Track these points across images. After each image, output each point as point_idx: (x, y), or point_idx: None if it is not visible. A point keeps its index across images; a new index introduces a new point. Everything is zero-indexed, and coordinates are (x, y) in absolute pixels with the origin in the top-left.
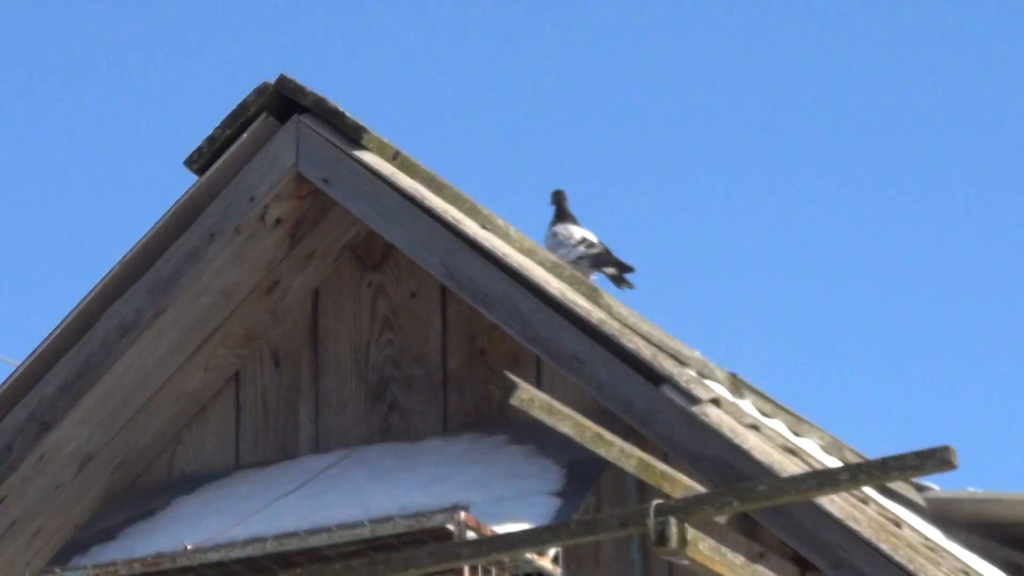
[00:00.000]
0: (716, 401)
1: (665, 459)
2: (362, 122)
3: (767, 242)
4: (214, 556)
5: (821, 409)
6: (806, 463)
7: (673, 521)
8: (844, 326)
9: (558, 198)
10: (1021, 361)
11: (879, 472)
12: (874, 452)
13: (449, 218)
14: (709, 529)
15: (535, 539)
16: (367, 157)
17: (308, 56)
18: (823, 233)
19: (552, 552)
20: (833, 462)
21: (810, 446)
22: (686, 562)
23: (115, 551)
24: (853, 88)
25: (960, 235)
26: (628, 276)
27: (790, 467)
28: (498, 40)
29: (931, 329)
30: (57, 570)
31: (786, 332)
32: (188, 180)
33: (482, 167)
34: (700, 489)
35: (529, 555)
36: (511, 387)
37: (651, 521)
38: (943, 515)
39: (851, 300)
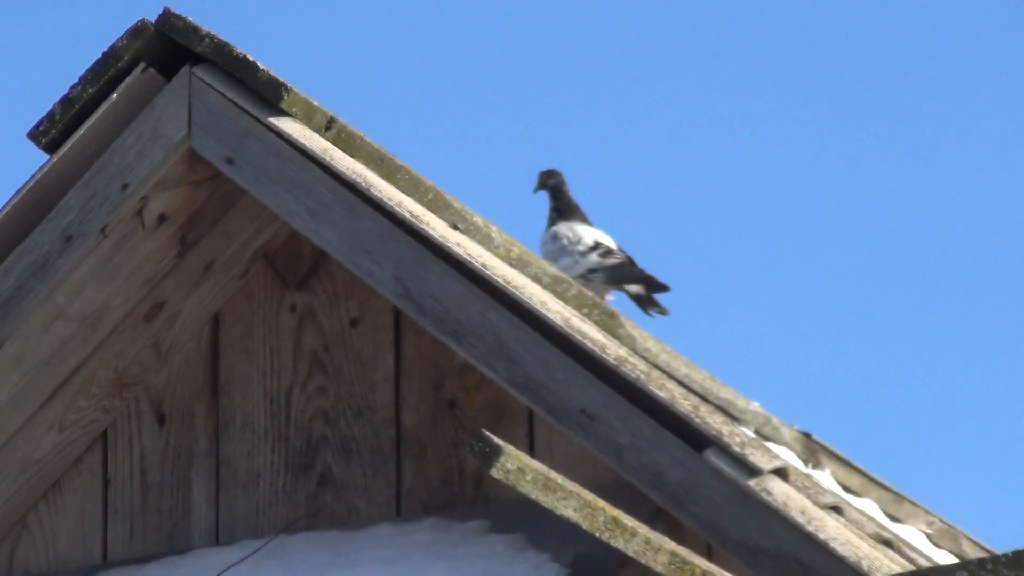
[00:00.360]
0: (782, 472)
1: (708, 553)
2: (282, 78)
3: (853, 253)
4: None
5: (928, 484)
6: (908, 559)
7: None
8: (962, 372)
9: (552, 182)
10: None
11: (1011, 570)
12: (1002, 543)
13: (405, 214)
14: None
15: None
16: (289, 126)
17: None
18: (933, 249)
19: None
20: (946, 557)
21: (913, 535)
22: None
23: None
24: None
25: None
26: (660, 297)
27: (885, 564)
28: None
29: None
30: None
31: (880, 376)
32: (36, 160)
33: (454, 144)
34: None
35: None
36: (492, 453)
37: None
38: None
39: (971, 337)
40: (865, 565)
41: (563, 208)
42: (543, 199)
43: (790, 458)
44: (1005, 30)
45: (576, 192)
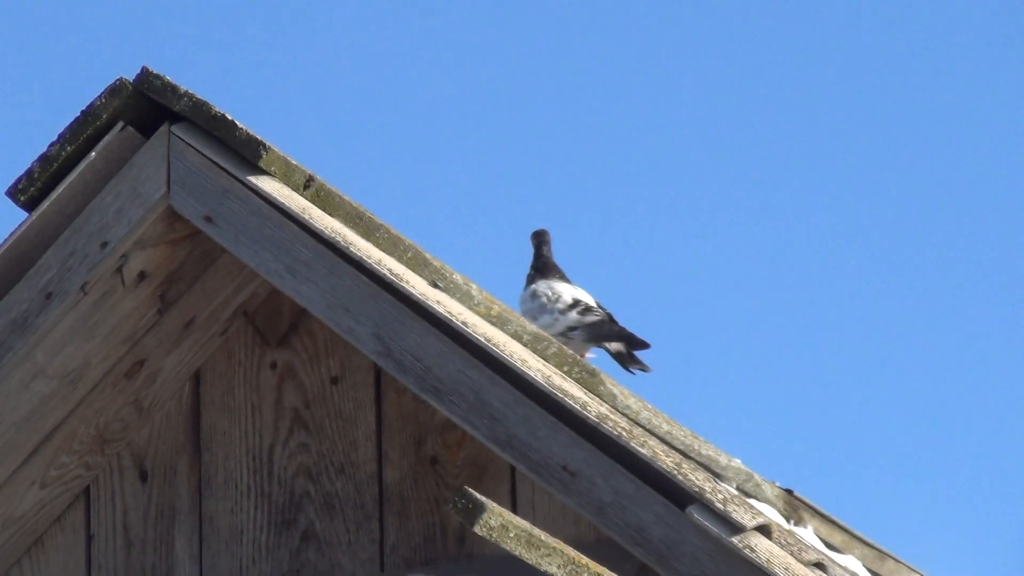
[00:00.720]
0: (765, 529)
1: None
2: (261, 136)
3: (833, 309)
4: None
5: (911, 541)
6: None
7: None
8: (944, 428)
9: (538, 241)
10: None
11: None
12: None
13: (385, 272)
14: None
15: None
16: (268, 185)
17: (191, 53)
18: (912, 304)
19: None
20: None
21: None
22: None
23: None
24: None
25: None
26: (640, 354)
27: None
28: (460, 38)
29: None
30: None
31: (862, 432)
32: (14, 218)
33: (432, 203)
34: None
35: None
36: (475, 509)
37: None
38: None
39: (953, 393)
40: None
41: (541, 266)
42: (523, 256)
43: (773, 515)
44: (1005, 30)
45: (556, 249)
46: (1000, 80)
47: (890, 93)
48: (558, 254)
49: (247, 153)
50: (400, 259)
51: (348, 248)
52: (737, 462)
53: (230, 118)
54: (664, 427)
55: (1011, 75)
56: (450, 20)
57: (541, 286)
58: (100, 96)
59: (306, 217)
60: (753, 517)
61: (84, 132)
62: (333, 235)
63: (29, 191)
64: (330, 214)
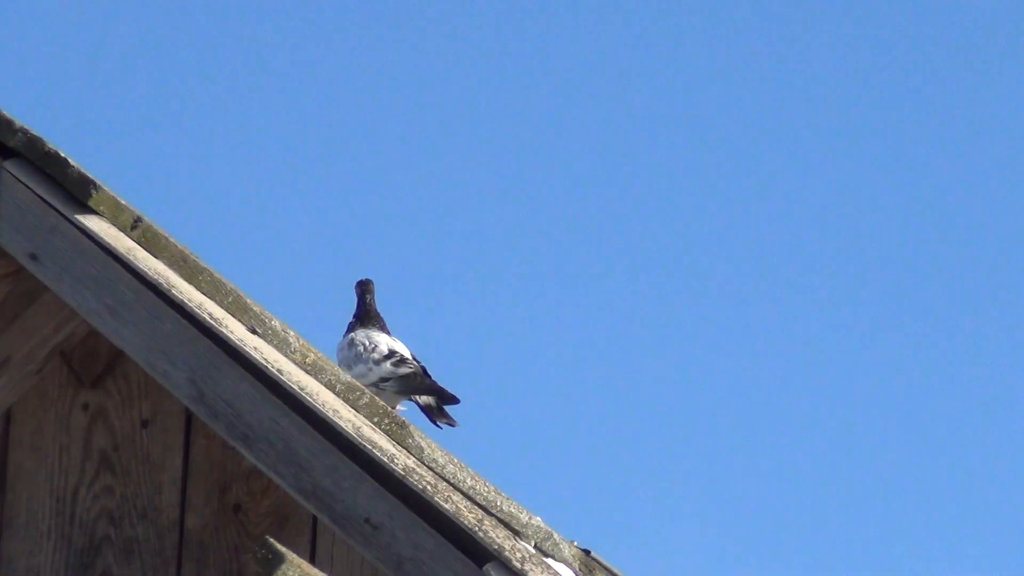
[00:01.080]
0: None
1: None
2: (92, 175)
3: (632, 371)
4: None
5: None
6: None
7: None
8: (744, 492)
9: (362, 290)
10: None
11: None
12: None
13: (205, 316)
14: None
15: None
16: (95, 224)
17: (28, 83)
18: (725, 364)
19: None
20: None
21: None
22: None
23: None
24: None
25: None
26: (450, 409)
27: None
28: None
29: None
30: None
31: (659, 495)
32: None
33: (254, 249)
34: None
35: None
36: (274, 560)
37: None
38: None
39: (755, 457)
40: None
41: (363, 315)
42: (346, 306)
43: None
44: (1002, 30)
45: (380, 300)
46: (1000, 82)
47: (790, 107)
48: (382, 305)
49: (77, 191)
50: (221, 303)
51: (170, 291)
52: (538, 520)
53: (63, 155)
54: (468, 481)
55: (1012, 76)
56: (284, 66)
57: (360, 335)
58: None
59: (131, 258)
60: None
61: None
62: (156, 277)
63: None
64: (156, 255)
